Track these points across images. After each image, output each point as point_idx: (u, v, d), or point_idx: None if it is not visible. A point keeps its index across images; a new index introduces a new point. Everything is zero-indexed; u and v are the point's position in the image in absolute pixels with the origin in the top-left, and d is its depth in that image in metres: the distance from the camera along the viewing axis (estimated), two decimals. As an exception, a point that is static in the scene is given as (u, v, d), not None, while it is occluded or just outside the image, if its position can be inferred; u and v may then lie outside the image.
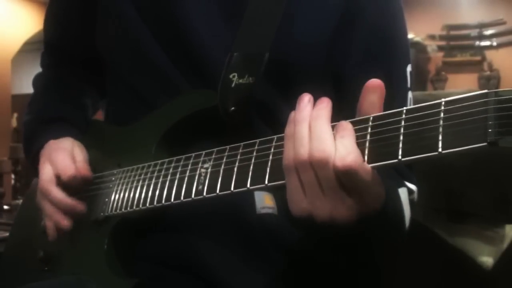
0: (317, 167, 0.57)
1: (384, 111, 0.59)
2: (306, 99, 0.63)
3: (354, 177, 0.56)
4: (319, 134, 0.58)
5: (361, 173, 0.56)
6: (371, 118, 0.59)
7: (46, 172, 0.88)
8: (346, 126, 0.59)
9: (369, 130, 0.58)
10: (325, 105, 0.61)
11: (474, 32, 6.39)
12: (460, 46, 6.43)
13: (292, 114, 0.63)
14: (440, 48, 6.43)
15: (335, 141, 0.57)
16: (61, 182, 0.87)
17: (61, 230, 0.87)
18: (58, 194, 0.86)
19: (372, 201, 0.59)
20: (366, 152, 0.57)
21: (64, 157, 0.88)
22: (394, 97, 0.83)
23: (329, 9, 0.82)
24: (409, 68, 0.85)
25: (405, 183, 0.81)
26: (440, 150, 0.52)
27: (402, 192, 0.78)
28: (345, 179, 0.56)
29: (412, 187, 0.82)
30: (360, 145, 0.58)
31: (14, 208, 2.92)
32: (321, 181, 0.57)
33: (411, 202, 0.82)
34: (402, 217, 0.76)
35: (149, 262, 0.82)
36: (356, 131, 0.59)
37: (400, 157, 0.55)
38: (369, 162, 0.57)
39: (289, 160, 0.60)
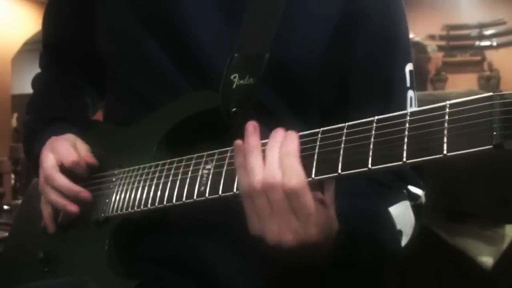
0: (268, 192, 0.62)
1: (381, 111, 0.60)
2: (251, 128, 0.66)
3: (301, 197, 0.61)
4: (271, 162, 0.63)
5: (306, 196, 0.61)
6: (376, 120, 0.59)
7: (49, 160, 0.87)
8: (292, 140, 0.63)
9: (373, 132, 0.58)
10: (280, 135, 0.65)
11: (474, 32, 6.39)
12: (460, 46, 6.44)
13: (239, 143, 0.66)
14: (440, 48, 6.43)
15: (282, 160, 0.62)
16: (64, 170, 0.86)
17: (68, 216, 0.86)
18: (62, 180, 0.85)
19: (318, 233, 0.62)
20: (371, 154, 0.57)
21: (66, 145, 0.87)
22: (392, 95, 0.83)
23: (329, 12, 0.82)
24: (408, 67, 0.85)
25: (409, 188, 0.81)
26: (445, 152, 0.52)
27: (397, 207, 0.78)
28: (292, 200, 0.61)
29: (417, 191, 0.82)
30: (365, 146, 0.58)
31: (14, 208, 2.92)
32: (272, 204, 0.62)
33: (417, 207, 0.81)
34: (384, 239, 0.75)
35: (150, 263, 0.82)
36: (359, 132, 0.59)
37: (404, 159, 0.55)
38: (374, 164, 0.57)
39: (245, 189, 0.64)
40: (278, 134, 0.65)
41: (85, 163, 0.86)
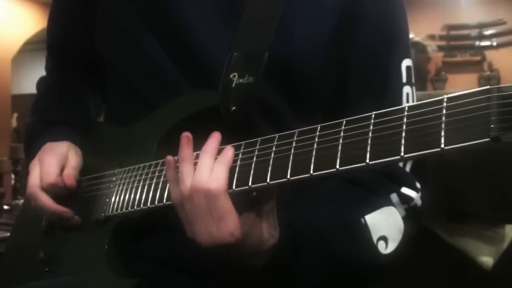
0: (194, 195, 0.66)
1: (377, 106, 0.60)
2: (185, 140, 0.69)
3: (216, 201, 0.64)
4: (200, 167, 0.66)
5: (221, 199, 0.64)
6: (373, 115, 0.59)
7: (34, 176, 0.88)
8: (226, 153, 0.67)
9: (371, 127, 0.58)
10: (213, 140, 0.69)
11: (474, 32, 6.38)
12: (460, 46, 6.43)
13: (169, 159, 0.70)
14: (440, 48, 6.42)
15: (213, 168, 0.66)
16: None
17: (70, 226, 0.88)
18: (45, 200, 0.86)
19: (230, 235, 0.65)
20: (369, 149, 0.57)
21: (52, 162, 0.87)
22: (387, 91, 0.83)
23: (328, 9, 0.83)
24: (406, 63, 0.85)
25: (402, 190, 0.80)
26: (442, 146, 0.52)
27: (377, 214, 0.77)
28: (209, 202, 0.65)
29: (410, 193, 0.81)
30: (363, 141, 0.58)
31: (14, 208, 2.91)
32: (196, 207, 0.66)
33: (412, 209, 0.81)
34: (344, 247, 0.75)
35: (150, 262, 0.82)
36: (357, 128, 0.59)
37: (402, 153, 0.55)
38: (372, 159, 0.57)
39: (176, 198, 0.69)
40: (212, 141, 0.69)
41: (64, 185, 0.87)
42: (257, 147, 0.67)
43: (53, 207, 0.86)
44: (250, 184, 0.65)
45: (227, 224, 0.64)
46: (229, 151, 0.67)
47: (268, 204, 0.67)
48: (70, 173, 0.88)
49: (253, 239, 0.67)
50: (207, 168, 0.66)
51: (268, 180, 0.64)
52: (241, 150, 0.68)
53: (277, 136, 0.66)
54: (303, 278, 0.74)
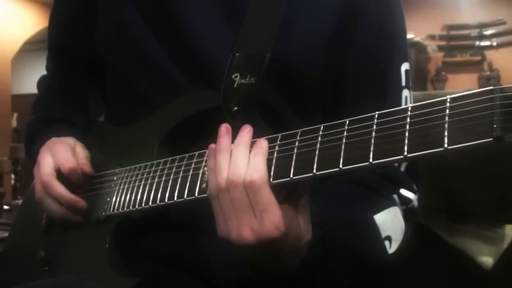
0: (231, 188, 0.63)
1: (376, 108, 0.60)
2: (223, 130, 0.67)
3: (258, 192, 0.62)
4: (236, 159, 0.64)
5: (263, 191, 0.62)
6: (377, 115, 0.59)
7: (47, 165, 0.87)
8: (261, 145, 0.65)
9: (375, 127, 0.58)
10: (246, 132, 0.66)
11: (474, 32, 6.38)
12: (460, 46, 6.42)
13: (212, 147, 0.67)
14: (440, 48, 6.42)
15: (249, 160, 0.64)
16: (61, 176, 0.86)
17: (71, 225, 0.87)
18: (59, 188, 0.86)
19: (273, 229, 0.62)
20: (372, 148, 0.57)
21: (65, 150, 0.87)
22: (387, 94, 0.83)
23: (329, 10, 0.83)
24: (404, 66, 0.86)
25: (401, 191, 0.81)
26: (446, 145, 0.52)
27: (384, 214, 0.77)
28: (250, 194, 0.62)
29: (409, 195, 0.81)
30: (366, 141, 0.58)
31: (14, 208, 2.91)
32: (233, 202, 0.63)
33: (410, 210, 0.81)
34: (362, 248, 0.75)
35: (151, 261, 0.82)
36: (361, 128, 0.59)
37: (405, 153, 0.55)
38: (375, 159, 0.57)
39: (212, 189, 0.65)
40: (245, 133, 0.67)
41: (82, 171, 0.87)
42: None
43: (67, 195, 0.85)
44: None
45: (271, 216, 0.61)
46: (263, 142, 0.65)
47: (302, 199, 0.65)
48: (86, 162, 0.88)
49: (293, 233, 0.64)
50: (244, 160, 0.64)
51: (271, 179, 0.64)
52: None
53: (279, 136, 0.66)
54: (333, 280, 0.73)
